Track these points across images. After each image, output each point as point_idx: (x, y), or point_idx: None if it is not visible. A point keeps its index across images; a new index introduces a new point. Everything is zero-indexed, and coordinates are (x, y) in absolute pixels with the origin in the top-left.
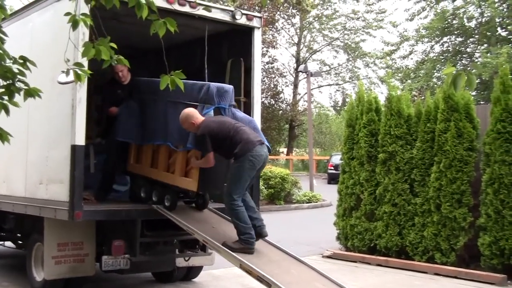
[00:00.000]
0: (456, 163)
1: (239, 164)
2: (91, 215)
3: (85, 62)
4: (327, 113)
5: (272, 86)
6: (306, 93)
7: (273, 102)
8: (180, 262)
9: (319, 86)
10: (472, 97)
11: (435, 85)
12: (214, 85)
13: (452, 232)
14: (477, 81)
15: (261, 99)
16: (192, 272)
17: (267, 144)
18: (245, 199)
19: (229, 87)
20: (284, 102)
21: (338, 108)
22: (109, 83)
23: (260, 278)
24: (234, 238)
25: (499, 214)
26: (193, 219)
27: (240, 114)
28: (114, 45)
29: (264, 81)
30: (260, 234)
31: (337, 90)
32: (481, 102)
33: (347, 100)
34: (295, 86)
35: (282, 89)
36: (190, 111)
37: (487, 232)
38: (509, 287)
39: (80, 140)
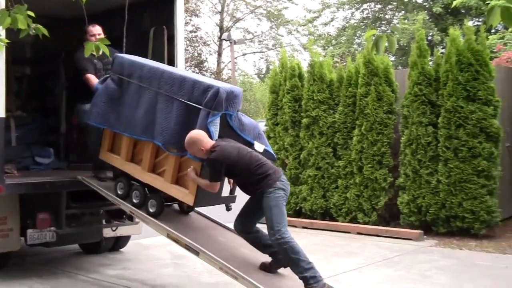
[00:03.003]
0: (377, 126)
1: (273, 194)
2: (13, 188)
3: (2, 31)
4: (251, 81)
5: (196, 55)
6: (230, 61)
7: (197, 71)
8: (108, 232)
9: (243, 54)
10: (391, 62)
11: (356, 51)
12: (223, 89)
13: (374, 193)
14: (396, 46)
15: (185, 68)
16: (120, 242)
17: (271, 151)
18: (258, 229)
19: (239, 91)
20: (209, 71)
21: (262, 75)
22: (83, 51)
23: (188, 247)
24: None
25: (416, 173)
26: None
27: (246, 119)
28: (32, 14)
29: (188, 50)
30: (281, 263)
31: (260, 57)
32: (400, 68)
33: (270, 67)
34: (219, 54)
35: (206, 58)
36: (198, 134)
37: (405, 191)
38: (425, 242)
39: (0, 113)
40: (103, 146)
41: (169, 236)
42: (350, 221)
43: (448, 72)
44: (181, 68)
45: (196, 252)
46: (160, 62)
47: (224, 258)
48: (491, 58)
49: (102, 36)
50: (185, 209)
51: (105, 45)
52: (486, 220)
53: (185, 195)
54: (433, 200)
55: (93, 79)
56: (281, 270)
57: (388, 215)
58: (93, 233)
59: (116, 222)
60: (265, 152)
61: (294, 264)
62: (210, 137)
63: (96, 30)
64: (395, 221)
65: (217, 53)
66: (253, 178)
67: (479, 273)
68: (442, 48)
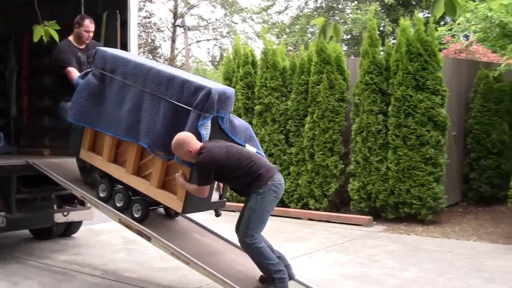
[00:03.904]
0: (328, 114)
1: (262, 196)
2: None
3: None
4: (205, 68)
5: (149, 41)
6: (184, 48)
7: (151, 57)
8: (59, 217)
9: (197, 41)
10: (344, 51)
11: (310, 40)
12: (216, 90)
13: (325, 179)
14: (348, 36)
15: (139, 54)
16: (72, 227)
17: (263, 154)
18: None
19: (231, 92)
20: (162, 57)
21: (216, 63)
22: (66, 43)
23: (140, 232)
24: None
25: (366, 160)
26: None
27: (237, 121)
28: None
29: (141, 36)
30: (291, 276)
31: (214, 45)
32: (352, 57)
33: (224, 54)
34: (173, 41)
35: (160, 44)
36: (186, 136)
37: (356, 178)
38: (374, 227)
39: None
40: (84, 145)
41: (121, 221)
42: (302, 207)
43: (398, 61)
44: (134, 53)
45: (148, 238)
46: (113, 47)
47: (176, 243)
48: (440, 50)
49: (92, 35)
50: (173, 215)
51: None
52: (433, 206)
53: (173, 201)
54: (382, 187)
55: (74, 73)
56: (234, 256)
57: (339, 202)
58: (44, 218)
59: (68, 207)
60: None
61: (262, 267)
62: (200, 140)
63: (92, 27)
64: (346, 207)
65: (171, 39)
66: (244, 179)
67: (424, 257)
68: (393, 39)
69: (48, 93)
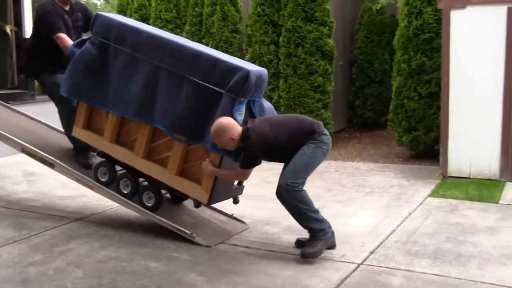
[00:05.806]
0: (222, 45)
1: (316, 145)
2: None
3: None
4: (95, 2)
5: None
6: None
7: None
8: None
9: None
10: None
11: None
12: (253, 72)
13: None
14: None
15: None
16: None
17: None
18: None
19: (266, 74)
20: None
21: None
22: (51, 3)
23: (43, 160)
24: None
25: None
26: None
27: (265, 104)
28: None
29: None
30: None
31: None
32: None
33: None
34: None
35: None
36: (228, 122)
37: None
38: None
39: None
40: (78, 122)
41: (23, 150)
42: None
43: None
44: None
45: (52, 165)
46: None
47: (80, 169)
48: None
49: None
50: (194, 205)
51: None
52: None
53: (197, 191)
54: None
55: (66, 40)
56: None
57: None
58: None
59: None
60: None
61: (301, 214)
62: None
63: None
64: None
65: None
66: (298, 140)
67: (313, 176)
68: None
69: None
